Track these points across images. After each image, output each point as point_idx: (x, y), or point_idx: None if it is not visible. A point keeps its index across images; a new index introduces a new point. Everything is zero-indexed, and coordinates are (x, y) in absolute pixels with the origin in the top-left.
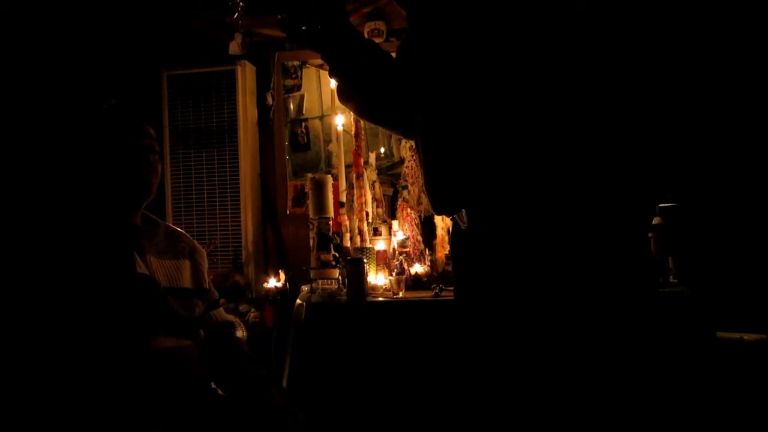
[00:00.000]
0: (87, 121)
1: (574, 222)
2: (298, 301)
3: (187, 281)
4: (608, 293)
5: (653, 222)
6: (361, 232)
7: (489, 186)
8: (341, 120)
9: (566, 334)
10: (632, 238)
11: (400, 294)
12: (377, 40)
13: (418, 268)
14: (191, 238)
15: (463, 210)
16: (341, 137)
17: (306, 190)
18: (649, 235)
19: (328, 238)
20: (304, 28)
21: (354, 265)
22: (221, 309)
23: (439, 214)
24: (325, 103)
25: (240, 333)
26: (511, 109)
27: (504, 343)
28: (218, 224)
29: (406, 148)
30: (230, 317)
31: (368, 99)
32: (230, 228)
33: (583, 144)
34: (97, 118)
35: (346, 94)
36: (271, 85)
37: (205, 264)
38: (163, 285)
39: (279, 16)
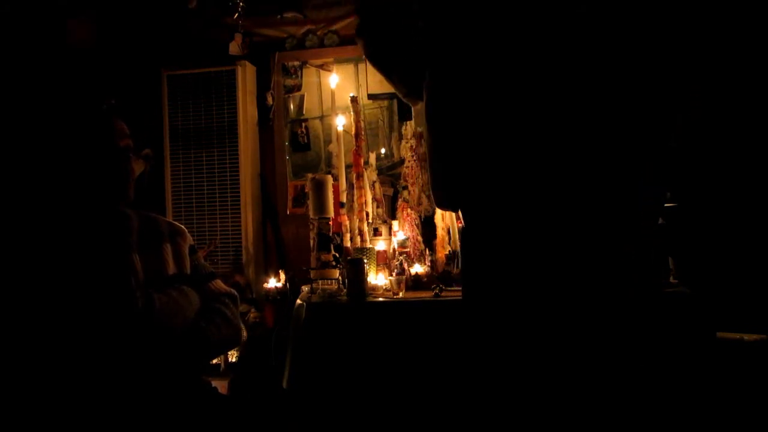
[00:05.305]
0: (66, 123)
1: (575, 221)
2: (298, 301)
3: (171, 267)
4: (605, 293)
5: None
6: (361, 233)
7: (490, 185)
8: (341, 120)
9: (561, 332)
10: (632, 238)
11: (400, 294)
12: None
13: (418, 269)
14: (169, 220)
15: (460, 210)
16: (341, 137)
17: (306, 190)
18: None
19: (329, 239)
20: None
21: (354, 266)
22: (218, 281)
23: (442, 209)
24: (325, 103)
25: (229, 311)
26: (512, 109)
27: (503, 340)
28: (218, 224)
29: (406, 149)
30: (227, 289)
31: (387, 40)
32: (230, 228)
33: (585, 143)
34: (75, 120)
35: (367, 25)
36: (271, 85)
37: (187, 243)
38: (146, 279)
39: None
